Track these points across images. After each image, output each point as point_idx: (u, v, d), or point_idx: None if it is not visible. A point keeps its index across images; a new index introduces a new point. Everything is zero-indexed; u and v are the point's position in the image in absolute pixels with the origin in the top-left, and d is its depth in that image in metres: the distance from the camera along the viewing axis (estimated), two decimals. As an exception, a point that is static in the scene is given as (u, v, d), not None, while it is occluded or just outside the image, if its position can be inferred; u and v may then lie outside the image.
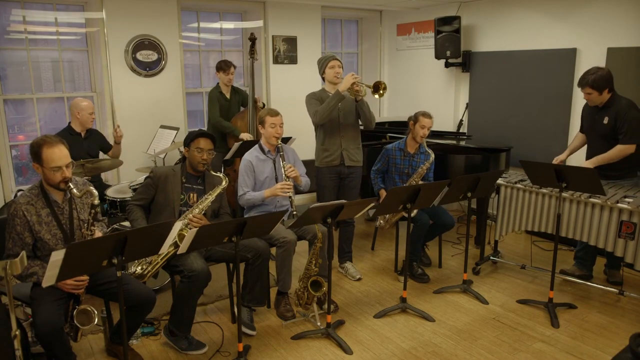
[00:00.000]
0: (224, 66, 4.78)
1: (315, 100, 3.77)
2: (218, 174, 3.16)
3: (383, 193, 4.07)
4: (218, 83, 4.85)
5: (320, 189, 3.89)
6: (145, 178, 3.19)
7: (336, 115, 3.76)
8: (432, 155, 3.99)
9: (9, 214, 2.50)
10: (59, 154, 2.47)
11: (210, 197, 3.10)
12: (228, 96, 4.88)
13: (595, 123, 3.69)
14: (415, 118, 3.97)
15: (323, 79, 3.88)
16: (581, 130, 3.96)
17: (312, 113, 3.74)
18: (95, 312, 2.53)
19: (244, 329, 3.12)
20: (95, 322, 2.53)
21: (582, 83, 3.57)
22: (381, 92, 3.62)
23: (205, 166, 3.15)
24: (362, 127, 3.98)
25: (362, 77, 6.87)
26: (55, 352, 2.44)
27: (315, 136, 3.95)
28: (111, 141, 4.38)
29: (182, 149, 3.32)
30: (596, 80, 3.49)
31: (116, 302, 2.57)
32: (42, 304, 2.41)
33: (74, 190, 2.50)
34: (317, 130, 3.90)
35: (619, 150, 3.51)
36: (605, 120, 3.59)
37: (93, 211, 2.55)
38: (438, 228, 4.07)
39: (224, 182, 3.16)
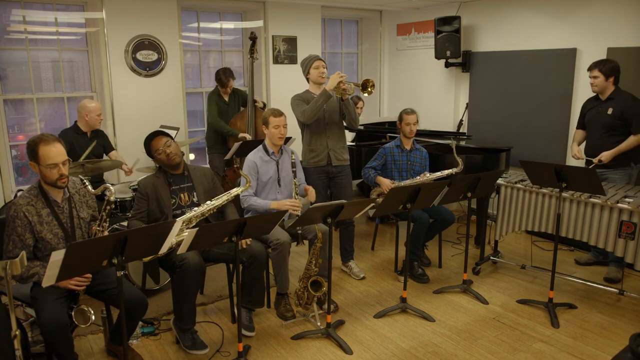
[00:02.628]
0: (223, 79, 4.73)
1: (300, 101, 3.78)
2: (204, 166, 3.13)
3: (381, 179, 4.05)
4: (217, 86, 4.85)
5: None
6: (134, 191, 3.16)
7: (321, 115, 3.77)
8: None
9: (9, 216, 2.49)
10: (55, 152, 2.48)
11: (226, 197, 3.11)
12: (227, 99, 4.88)
13: (598, 114, 3.87)
14: (400, 118, 4.10)
15: (308, 80, 3.89)
16: (580, 127, 4.12)
17: (299, 113, 3.74)
18: (92, 311, 2.53)
19: (243, 331, 3.12)
20: (90, 323, 2.53)
21: (592, 66, 3.82)
22: (369, 89, 3.64)
23: (177, 157, 3.12)
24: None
25: (362, 77, 6.87)
26: (59, 350, 2.43)
27: (301, 138, 3.96)
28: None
29: (182, 148, 3.32)
30: (606, 65, 3.75)
31: (113, 305, 2.57)
32: (45, 302, 2.42)
33: (89, 187, 2.52)
34: (303, 131, 3.91)
35: (636, 140, 3.70)
36: (610, 111, 3.78)
37: (109, 207, 2.56)
38: (438, 225, 4.08)
39: (243, 185, 3.17)
